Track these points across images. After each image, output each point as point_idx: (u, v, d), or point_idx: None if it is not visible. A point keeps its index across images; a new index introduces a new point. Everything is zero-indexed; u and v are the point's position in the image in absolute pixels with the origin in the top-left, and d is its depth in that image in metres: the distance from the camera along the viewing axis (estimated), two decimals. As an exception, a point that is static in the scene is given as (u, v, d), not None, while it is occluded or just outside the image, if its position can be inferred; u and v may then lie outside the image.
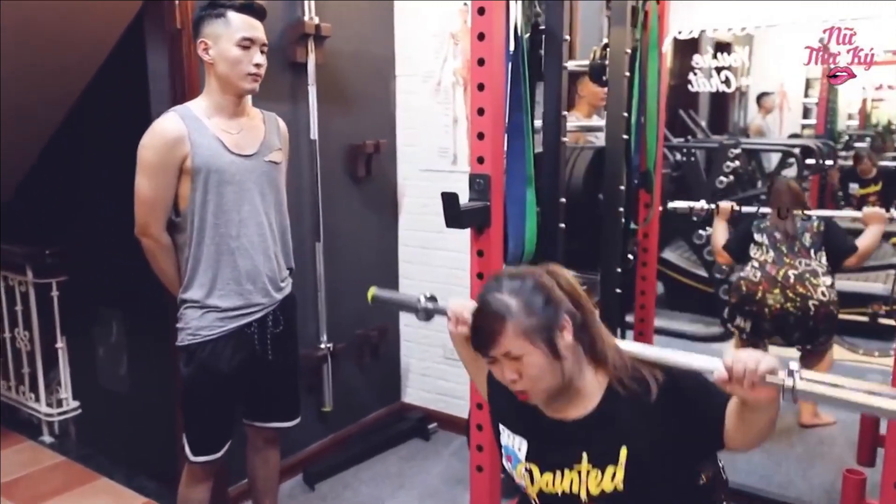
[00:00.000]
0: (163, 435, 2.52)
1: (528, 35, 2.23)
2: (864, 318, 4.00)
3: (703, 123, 6.16)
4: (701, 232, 4.02)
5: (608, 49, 2.69)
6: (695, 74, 3.43)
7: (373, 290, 1.71)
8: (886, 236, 3.01)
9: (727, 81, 3.31)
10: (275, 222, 1.94)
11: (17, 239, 3.17)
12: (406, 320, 3.24)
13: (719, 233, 3.10)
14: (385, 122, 3.05)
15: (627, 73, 2.70)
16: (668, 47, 3.02)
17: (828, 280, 2.82)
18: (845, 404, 1.07)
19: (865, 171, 4.20)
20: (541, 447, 1.30)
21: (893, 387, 1.66)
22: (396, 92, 3.08)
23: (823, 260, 2.82)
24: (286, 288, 2.00)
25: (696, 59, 3.41)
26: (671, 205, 3.58)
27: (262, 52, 1.81)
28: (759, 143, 5.14)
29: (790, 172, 4.29)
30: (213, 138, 1.78)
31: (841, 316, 4.07)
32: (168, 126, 1.75)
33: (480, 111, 1.86)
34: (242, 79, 1.78)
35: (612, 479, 1.20)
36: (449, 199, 1.83)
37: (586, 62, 2.77)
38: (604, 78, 2.67)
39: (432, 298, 1.62)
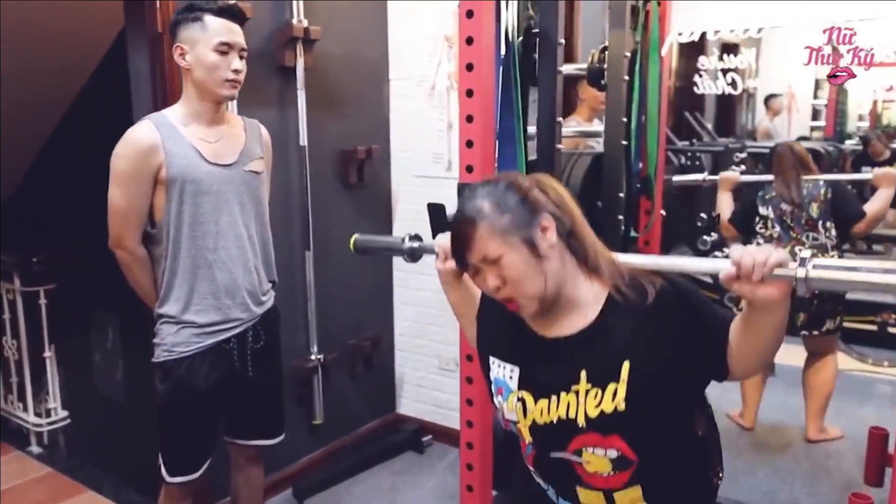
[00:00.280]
0: (153, 445, 2.45)
1: (521, 38, 2.16)
2: (873, 328, 3.91)
3: (710, 126, 6.08)
4: (706, 238, 3.94)
5: (607, 52, 2.62)
6: (700, 76, 3.35)
7: (354, 237, 1.68)
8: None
9: (733, 83, 3.21)
10: (255, 234, 1.87)
11: (9, 246, 3.12)
12: (400, 329, 3.17)
13: (724, 204, 2.98)
14: (378, 126, 2.98)
15: (626, 77, 2.62)
16: (668, 49, 2.92)
17: (835, 256, 2.70)
18: (862, 285, 1.03)
19: (877, 153, 4.08)
20: (535, 371, 1.21)
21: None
22: (390, 96, 3.00)
23: (833, 232, 2.71)
24: (267, 302, 1.93)
25: (702, 61, 3.33)
26: (675, 178, 3.48)
27: (241, 57, 1.74)
28: (765, 147, 5.06)
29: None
30: (189, 147, 1.71)
31: (849, 325, 3.98)
32: (141, 135, 1.68)
33: (469, 118, 1.78)
34: (220, 85, 1.71)
35: (613, 397, 1.12)
36: (435, 210, 1.76)
37: (585, 65, 2.70)
38: (602, 82, 2.59)
39: (417, 237, 1.59)
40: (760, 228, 2.80)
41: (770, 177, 2.87)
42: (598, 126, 2.82)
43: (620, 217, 2.35)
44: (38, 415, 3.15)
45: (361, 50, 2.85)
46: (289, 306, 2.60)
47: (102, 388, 3.01)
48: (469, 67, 1.75)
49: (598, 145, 2.72)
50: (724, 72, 3.21)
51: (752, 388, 3.03)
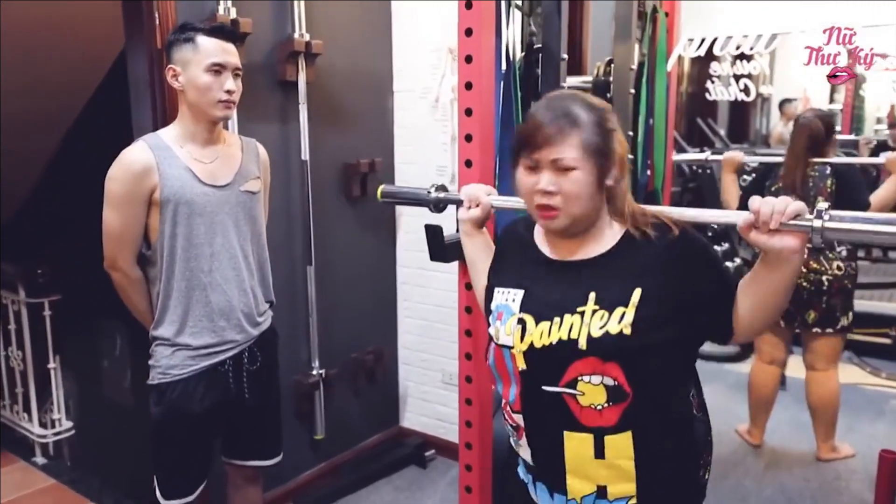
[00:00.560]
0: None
1: (523, 54, 2.13)
2: (887, 341, 3.84)
3: (723, 132, 6.01)
4: (717, 248, 3.88)
5: (612, 65, 2.58)
6: (712, 82, 3.30)
7: (382, 187, 1.72)
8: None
9: (746, 90, 3.15)
10: (252, 254, 1.85)
11: (15, 258, 3.13)
12: (403, 342, 3.15)
13: (729, 187, 2.92)
14: (382, 139, 2.95)
15: (633, 90, 2.58)
16: (676, 60, 2.87)
17: (843, 251, 2.64)
18: (877, 234, 1.06)
19: None
20: (541, 293, 1.22)
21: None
22: (394, 108, 2.98)
23: None
24: (264, 323, 1.91)
25: (714, 67, 3.28)
26: (675, 157, 3.42)
27: (235, 76, 1.72)
28: (776, 154, 4.99)
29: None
30: (183, 168, 1.69)
31: (862, 338, 3.91)
32: (135, 157, 1.67)
33: (468, 137, 1.75)
34: (213, 106, 1.69)
35: (620, 320, 1.13)
36: (432, 232, 1.73)
37: (591, 78, 2.67)
38: (608, 95, 2.56)
39: (442, 188, 1.61)
40: None
41: (776, 158, 2.79)
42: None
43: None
44: (42, 425, 3.15)
45: (365, 63, 2.82)
46: (290, 321, 2.59)
47: (110, 396, 3.01)
48: (468, 86, 1.72)
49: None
50: (737, 78, 3.15)
51: (762, 403, 2.97)
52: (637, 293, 1.13)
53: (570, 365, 1.15)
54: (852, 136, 5.12)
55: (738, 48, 2.63)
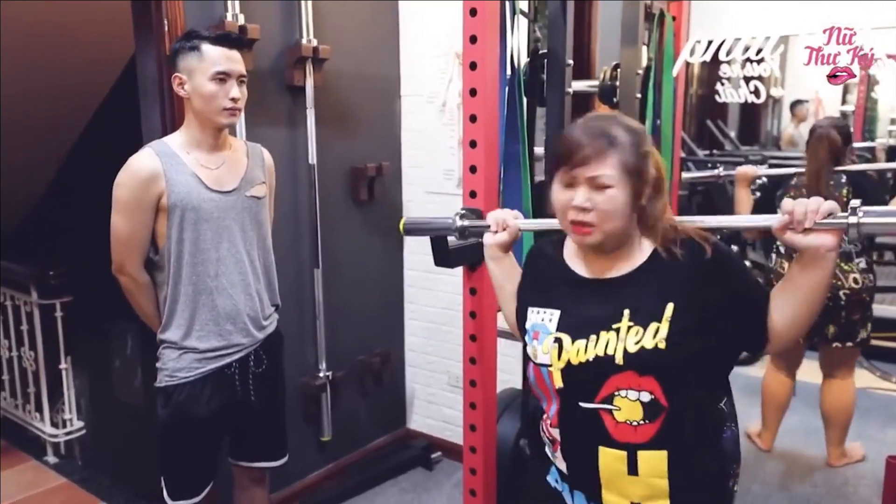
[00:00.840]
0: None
1: (527, 60, 2.13)
2: (899, 345, 3.81)
3: (733, 134, 5.97)
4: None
5: (619, 69, 2.58)
6: (722, 84, 3.29)
7: (403, 219, 1.69)
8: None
9: (756, 92, 3.13)
10: (257, 259, 1.87)
11: (28, 259, 3.17)
12: (410, 344, 3.16)
13: (743, 202, 2.90)
14: (389, 143, 2.97)
15: (639, 95, 2.58)
16: (680, 68, 2.86)
17: (861, 262, 2.60)
18: None
19: None
20: (576, 313, 1.25)
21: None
22: (402, 112, 2.99)
23: None
24: (270, 326, 1.93)
25: (724, 69, 3.26)
26: (685, 176, 3.38)
27: (240, 83, 1.74)
28: (787, 157, 4.95)
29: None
30: (190, 175, 1.71)
31: (875, 342, 3.87)
32: (143, 163, 1.69)
33: (473, 143, 1.76)
34: (218, 114, 1.71)
35: (655, 335, 1.16)
36: (438, 243, 1.74)
37: (597, 82, 2.66)
38: (615, 99, 2.56)
39: (467, 215, 1.58)
40: None
41: (789, 170, 2.76)
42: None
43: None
44: (54, 425, 3.20)
45: (372, 67, 2.84)
46: (298, 324, 2.61)
47: (121, 396, 3.05)
48: (473, 93, 1.73)
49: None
50: (748, 80, 3.14)
51: (774, 410, 2.95)
52: (670, 307, 1.16)
53: (607, 380, 1.18)
54: (867, 144, 5.07)
55: (745, 50, 2.61)
